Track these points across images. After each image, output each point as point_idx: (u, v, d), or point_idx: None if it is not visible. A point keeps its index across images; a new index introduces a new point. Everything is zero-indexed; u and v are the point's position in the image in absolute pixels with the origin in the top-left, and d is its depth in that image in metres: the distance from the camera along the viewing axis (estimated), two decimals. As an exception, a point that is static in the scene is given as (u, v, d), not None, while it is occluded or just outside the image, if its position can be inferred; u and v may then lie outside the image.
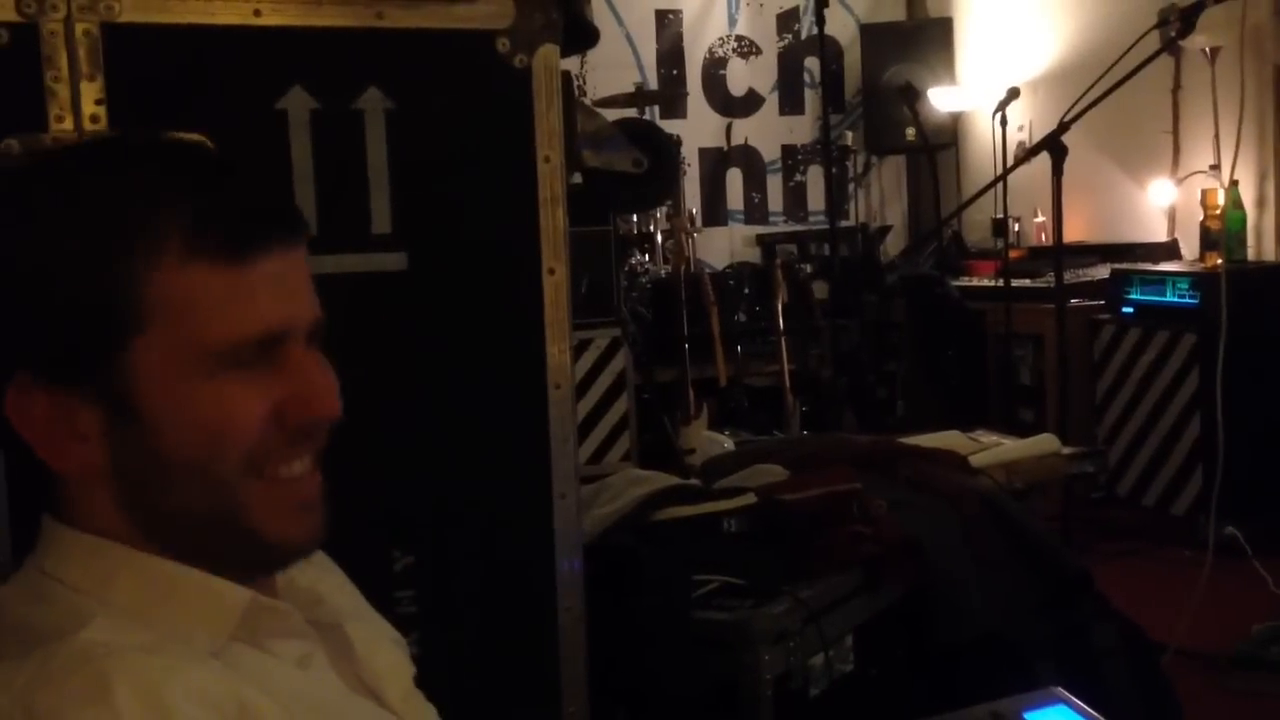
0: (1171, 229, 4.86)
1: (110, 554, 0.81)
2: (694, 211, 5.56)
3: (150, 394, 0.79)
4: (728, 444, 3.96)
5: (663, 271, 5.00)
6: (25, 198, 0.80)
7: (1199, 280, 4.03)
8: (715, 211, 6.01)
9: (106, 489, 0.81)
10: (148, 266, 0.77)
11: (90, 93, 1.33)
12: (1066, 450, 2.78)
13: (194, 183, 0.81)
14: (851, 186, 6.14)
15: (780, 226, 6.10)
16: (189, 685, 0.74)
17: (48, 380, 0.79)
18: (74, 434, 0.80)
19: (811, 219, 6.14)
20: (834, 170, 5.43)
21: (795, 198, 6.21)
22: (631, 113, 5.09)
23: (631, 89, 5.36)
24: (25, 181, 0.82)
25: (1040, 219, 5.30)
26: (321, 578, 0.94)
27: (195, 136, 1.28)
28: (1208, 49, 4.45)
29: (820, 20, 4.81)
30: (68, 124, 1.32)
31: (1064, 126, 3.30)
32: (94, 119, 1.33)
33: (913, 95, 5.69)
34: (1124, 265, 4.45)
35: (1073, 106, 3.31)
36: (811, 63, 6.10)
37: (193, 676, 0.75)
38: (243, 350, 0.79)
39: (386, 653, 0.96)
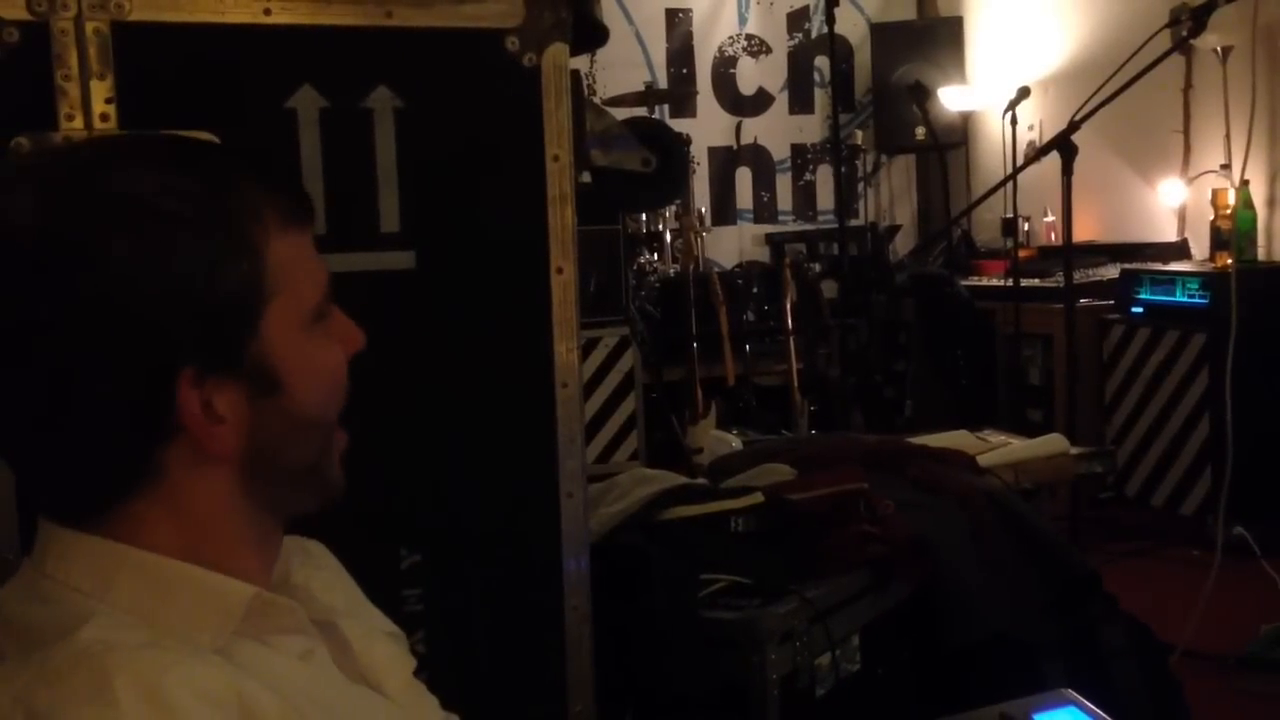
0: (1182, 229, 4.85)
1: (111, 554, 0.81)
2: (703, 210, 5.56)
3: (285, 358, 0.85)
4: (735, 443, 3.95)
5: (671, 270, 4.99)
6: (131, 214, 0.80)
7: (1209, 280, 4.02)
8: (724, 210, 6.01)
9: (225, 470, 0.85)
10: (262, 241, 0.84)
11: (100, 91, 1.33)
12: (1075, 450, 2.77)
13: (251, 164, 0.88)
14: (861, 186, 6.13)
15: (789, 226, 6.09)
16: (190, 680, 0.74)
17: (203, 371, 0.82)
18: (215, 418, 0.83)
19: (821, 218, 6.13)
20: (843, 169, 5.42)
21: (804, 197, 6.20)
22: (641, 111, 5.08)
23: (641, 88, 5.36)
24: (124, 192, 0.81)
25: (1050, 218, 5.29)
26: (314, 575, 0.95)
27: (205, 135, 1.29)
28: (1219, 48, 4.43)
29: (830, 19, 4.80)
30: (78, 122, 1.32)
31: (1074, 126, 3.29)
32: (104, 117, 1.33)
33: (923, 94, 5.68)
34: (1134, 265, 4.44)
35: (1083, 106, 3.31)
36: (821, 62, 6.09)
37: (194, 671, 0.75)
38: (323, 304, 0.89)
39: (383, 646, 0.97)
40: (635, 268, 4.85)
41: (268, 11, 1.40)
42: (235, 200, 0.84)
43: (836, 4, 4.76)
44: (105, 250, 0.78)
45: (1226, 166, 4.42)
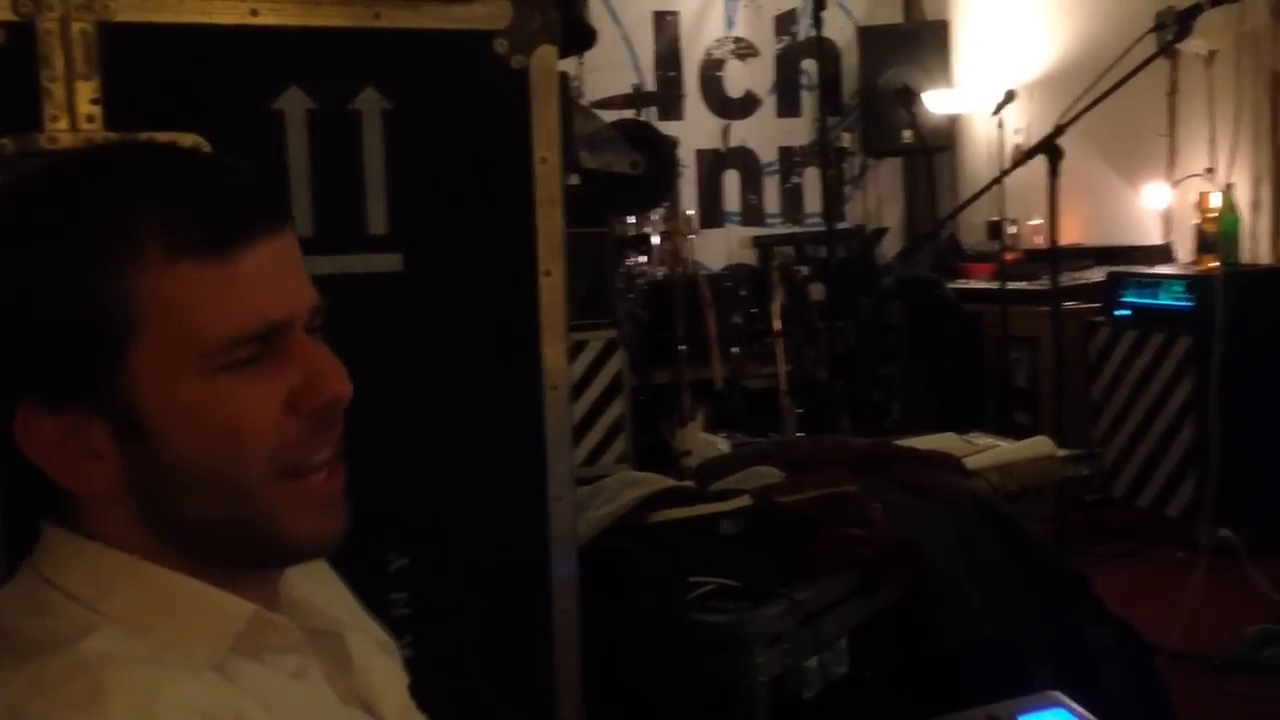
0: (1167, 232, 4.87)
1: (112, 562, 0.80)
2: (691, 213, 5.55)
3: (155, 403, 0.77)
4: (723, 446, 3.95)
5: (659, 273, 4.99)
6: (6, 223, 0.79)
7: (1194, 283, 4.04)
8: (712, 213, 6.01)
9: (126, 505, 0.80)
10: (132, 271, 0.76)
11: (86, 92, 1.32)
12: (1062, 453, 2.78)
13: (167, 183, 0.79)
14: (848, 189, 6.14)
15: (777, 228, 6.10)
16: (183, 698, 0.73)
17: (54, 403, 0.78)
18: (88, 453, 0.78)
19: (808, 221, 6.14)
20: (831, 172, 5.43)
21: (792, 199, 6.21)
22: (629, 114, 5.09)
23: (629, 90, 5.36)
24: (7, 207, 0.80)
25: (1036, 221, 5.30)
26: (318, 589, 0.93)
27: (190, 137, 1.28)
28: (1204, 52, 4.45)
29: (818, 22, 4.81)
30: (63, 124, 1.32)
31: (1060, 129, 3.31)
32: (89, 119, 1.33)
33: (910, 97, 5.70)
34: (1120, 268, 4.46)
35: (1069, 109, 3.32)
36: (809, 64, 6.10)
37: (188, 689, 0.74)
38: (242, 345, 0.77)
39: (382, 664, 0.95)
40: (623, 270, 4.85)
41: (255, 13, 1.39)
42: (108, 226, 0.76)
43: (824, 7, 4.78)
44: None
45: (1211, 170, 4.44)
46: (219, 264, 0.77)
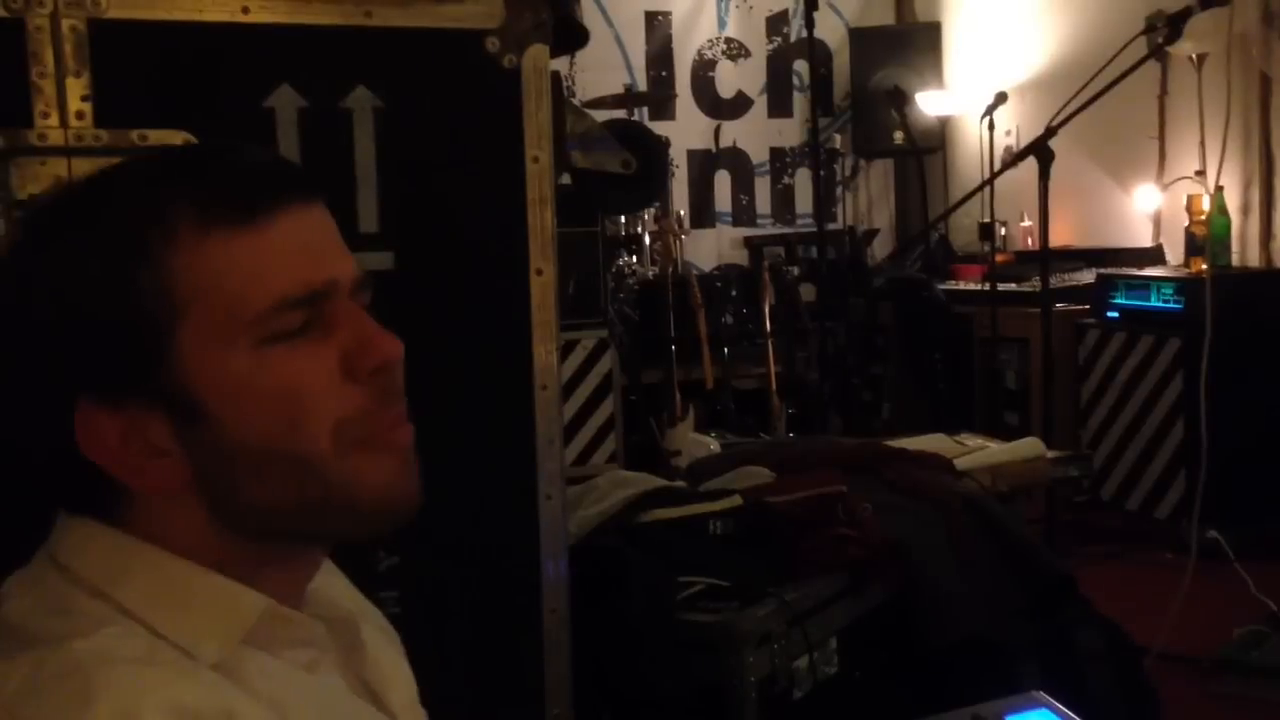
0: (1157, 234, 4.89)
1: (126, 549, 0.80)
2: (682, 213, 5.56)
3: (209, 383, 0.76)
4: (714, 446, 3.95)
5: (650, 273, 4.99)
6: (42, 233, 0.80)
7: (1184, 286, 4.05)
8: (703, 213, 6.01)
9: (191, 501, 0.79)
10: (166, 252, 0.76)
11: (76, 89, 1.32)
12: (1051, 454, 2.79)
13: (192, 167, 0.80)
14: (839, 189, 6.15)
15: (768, 229, 6.10)
16: (170, 699, 0.73)
17: (111, 400, 0.77)
18: (151, 450, 0.77)
19: (799, 222, 6.15)
20: (822, 173, 5.43)
21: (783, 200, 6.21)
22: (620, 114, 5.09)
23: (621, 90, 5.37)
24: (41, 219, 0.81)
25: (1027, 223, 5.32)
26: (330, 580, 0.93)
27: (179, 134, 1.28)
28: (1194, 55, 4.47)
29: (809, 23, 4.80)
30: (53, 120, 1.31)
31: (1051, 131, 3.31)
32: (79, 115, 1.32)
33: (901, 99, 5.70)
34: (1109, 270, 4.47)
35: (1060, 111, 3.32)
36: (800, 65, 6.10)
37: (176, 690, 0.74)
38: (287, 312, 0.77)
39: (394, 662, 0.95)
40: (614, 270, 4.84)
41: (246, 10, 1.39)
42: (137, 213, 0.77)
43: (815, 8, 4.78)
44: (8, 274, 0.80)
45: (1201, 173, 4.45)
46: (249, 232, 0.77)
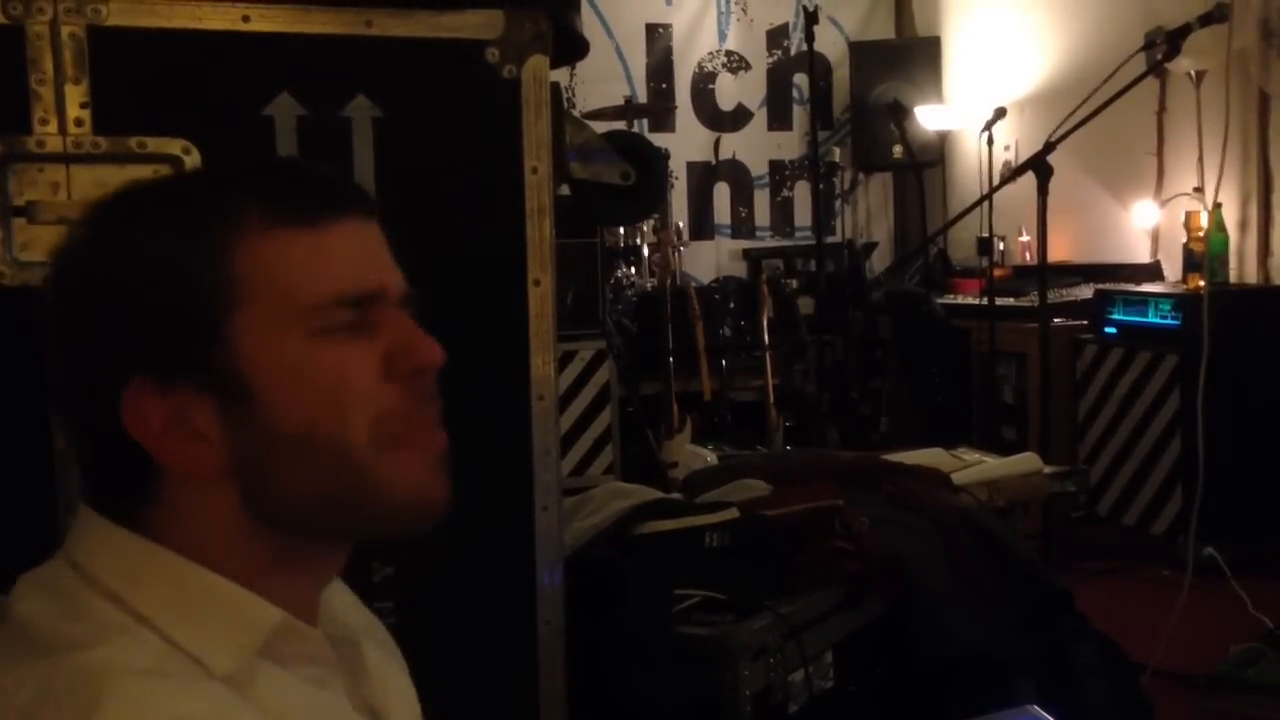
0: (1155, 250, 4.89)
1: (144, 553, 0.80)
2: (681, 225, 5.57)
3: (259, 366, 0.79)
4: (711, 458, 3.96)
5: (648, 284, 5.00)
6: (118, 217, 0.83)
7: (1181, 302, 4.05)
8: (702, 225, 6.02)
9: (225, 489, 0.81)
10: (232, 242, 0.80)
11: (75, 96, 1.32)
12: (1048, 469, 2.79)
13: (264, 172, 0.86)
14: (838, 203, 6.16)
15: (767, 241, 6.11)
16: (174, 711, 0.73)
17: (162, 381, 0.79)
18: (193, 434, 0.80)
19: (798, 234, 6.15)
20: (821, 186, 5.44)
21: (782, 213, 6.22)
22: (620, 125, 5.09)
23: (620, 102, 5.37)
24: (120, 204, 0.84)
25: (1025, 238, 5.32)
26: (335, 595, 0.93)
27: (178, 142, 1.28)
28: (1193, 72, 4.48)
29: (810, 37, 4.83)
30: (52, 127, 1.31)
31: (1050, 146, 3.32)
32: (78, 122, 1.32)
33: (900, 113, 5.71)
34: (1107, 285, 4.48)
35: (1059, 127, 3.33)
36: (800, 79, 6.11)
37: (181, 701, 0.74)
38: (338, 309, 0.81)
39: (396, 677, 0.96)
40: (612, 281, 4.85)
41: (246, 19, 1.39)
42: (207, 203, 0.82)
43: (816, 22, 4.80)
44: (75, 257, 0.83)
45: (1200, 189, 4.46)
46: (312, 232, 0.82)
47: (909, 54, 5.97)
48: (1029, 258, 5.23)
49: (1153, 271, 4.76)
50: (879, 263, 6.04)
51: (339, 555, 0.89)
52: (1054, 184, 3.35)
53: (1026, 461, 2.76)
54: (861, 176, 6.27)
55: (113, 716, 0.71)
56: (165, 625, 0.78)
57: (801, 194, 6.17)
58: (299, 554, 0.84)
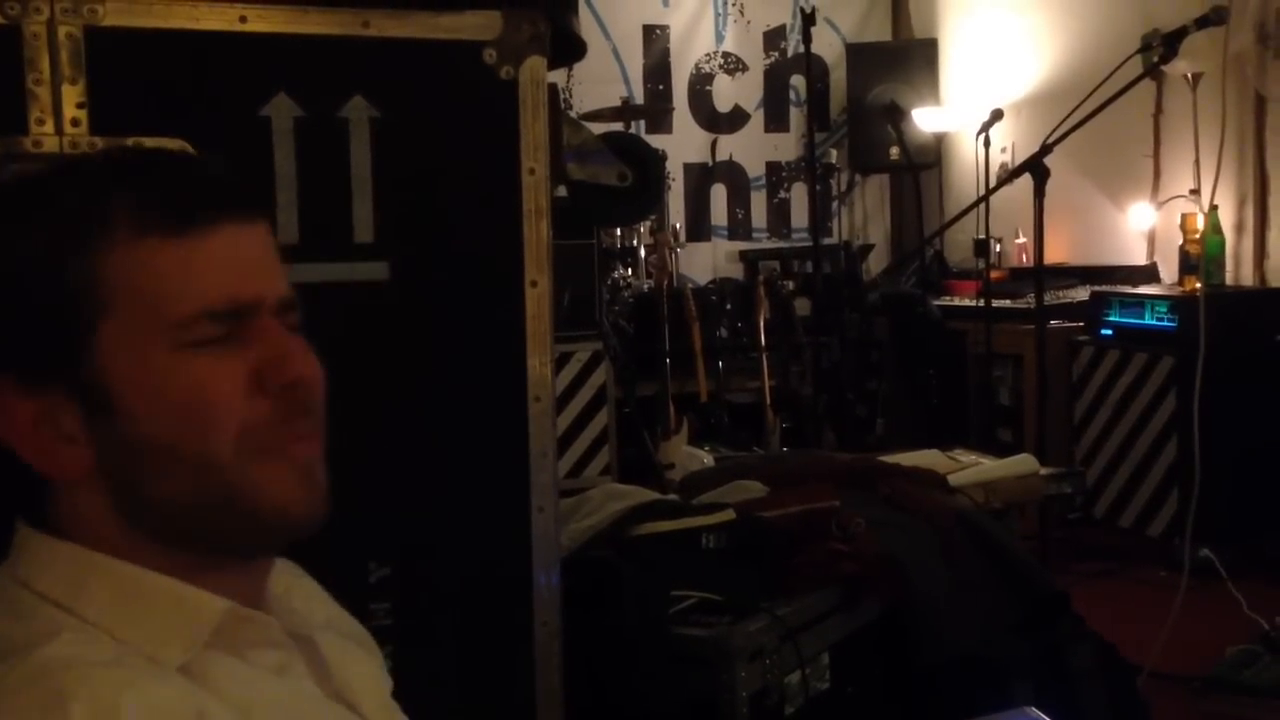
0: (1151, 252, 4.90)
1: (85, 562, 0.81)
2: (678, 226, 5.56)
3: (123, 379, 0.79)
4: (707, 460, 3.95)
5: (645, 286, 5.00)
6: None
7: (1177, 304, 4.06)
8: (699, 226, 6.02)
9: (98, 491, 0.81)
10: (102, 249, 0.79)
11: (72, 96, 1.32)
12: (1045, 471, 2.79)
13: (138, 172, 0.83)
14: (835, 204, 6.16)
15: (764, 243, 6.11)
16: (147, 701, 0.73)
17: (27, 383, 0.80)
18: (60, 436, 0.80)
19: (795, 236, 6.16)
20: (818, 188, 5.44)
21: (779, 214, 6.22)
22: (617, 127, 5.09)
23: (617, 103, 5.37)
24: None
25: (1021, 240, 5.33)
26: (292, 586, 0.94)
27: (175, 142, 1.28)
28: (1190, 74, 4.49)
29: (807, 39, 4.82)
30: (48, 127, 1.31)
31: (1046, 149, 3.32)
32: (75, 122, 1.32)
33: (897, 115, 5.72)
34: (1103, 287, 4.48)
35: (1055, 129, 3.34)
36: (797, 80, 6.12)
37: (151, 692, 0.74)
38: (209, 322, 0.80)
39: (359, 663, 0.95)
40: (609, 282, 4.84)
41: (243, 19, 1.39)
42: (78, 208, 0.80)
43: (813, 24, 4.80)
44: None
45: (1196, 192, 4.47)
46: (184, 241, 0.80)
47: (906, 56, 5.97)
48: (1025, 259, 5.24)
49: (1149, 273, 4.77)
50: (876, 264, 6.05)
51: (247, 563, 0.86)
52: (1051, 186, 3.35)
53: (1023, 463, 2.76)
54: (858, 178, 6.27)
55: (87, 706, 0.71)
56: (113, 627, 0.79)
57: (798, 195, 6.17)
58: (203, 565, 0.83)
